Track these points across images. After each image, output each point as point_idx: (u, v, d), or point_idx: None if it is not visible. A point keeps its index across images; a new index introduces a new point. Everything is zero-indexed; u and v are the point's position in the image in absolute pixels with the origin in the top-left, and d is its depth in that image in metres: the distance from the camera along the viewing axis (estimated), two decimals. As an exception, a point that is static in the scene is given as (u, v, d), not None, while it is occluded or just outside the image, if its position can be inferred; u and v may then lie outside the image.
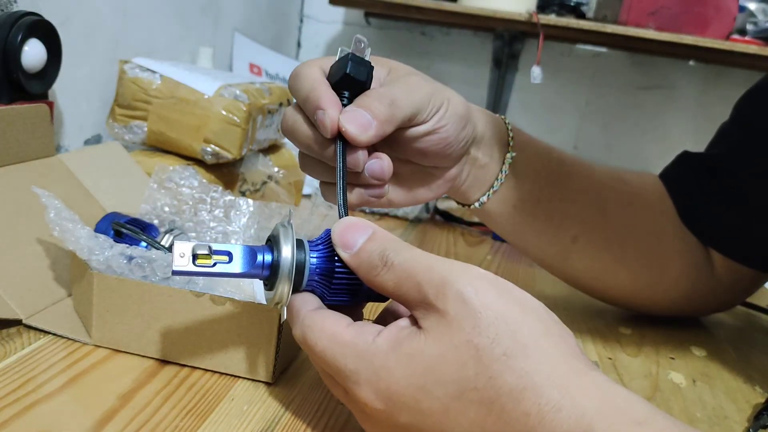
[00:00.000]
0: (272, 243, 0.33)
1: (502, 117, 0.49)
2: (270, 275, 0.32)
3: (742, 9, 1.04)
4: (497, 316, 0.27)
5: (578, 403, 0.25)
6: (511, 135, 0.48)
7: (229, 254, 0.31)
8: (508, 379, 0.26)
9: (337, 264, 0.32)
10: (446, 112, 0.41)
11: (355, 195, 0.39)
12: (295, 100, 0.39)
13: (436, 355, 0.27)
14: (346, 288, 0.32)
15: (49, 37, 0.57)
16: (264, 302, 0.39)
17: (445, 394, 0.27)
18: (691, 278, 0.55)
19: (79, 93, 0.70)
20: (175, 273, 0.30)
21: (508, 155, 0.47)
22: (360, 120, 0.36)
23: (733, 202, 0.53)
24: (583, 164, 0.53)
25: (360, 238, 0.31)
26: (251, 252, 0.32)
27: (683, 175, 0.56)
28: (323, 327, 0.30)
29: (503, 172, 0.47)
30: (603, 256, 0.53)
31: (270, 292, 0.33)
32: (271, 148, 0.76)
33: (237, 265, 0.31)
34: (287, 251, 0.31)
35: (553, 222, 0.51)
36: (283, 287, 0.32)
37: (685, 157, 0.58)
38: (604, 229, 0.52)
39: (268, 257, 0.32)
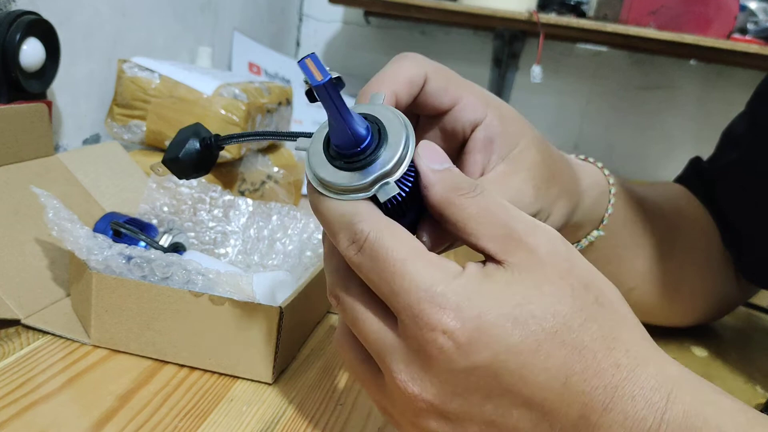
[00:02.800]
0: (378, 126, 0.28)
1: (611, 183, 0.42)
2: (367, 147, 0.27)
3: (743, 8, 1.04)
4: (587, 267, 0.26)
5: (661, 363, 0.25)
6: (608, 213, 0.42)
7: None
8: (601, 325, 0.25)
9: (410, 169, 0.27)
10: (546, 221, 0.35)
11: None
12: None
13: (532, 285, 0.25)
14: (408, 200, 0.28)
15: (48, 36, 0.57)
16: (263, 303, 0.38)
17: (540, 329, 0.24)
18: (727, 295, 0.55)
19: (77, 92, 0.70)
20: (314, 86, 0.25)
21: (595, 232, 0.42)
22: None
23: (754, 216, 0.51)
24: (655, 208, 0.48)
25: (447, 161, 0.27)
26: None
27: (706, 188, 0.54)
28: (405, 236, 0.25)
29: (579, 246, 0.42)
30: (657, 300, 0.51)
31: (354, 172, 0.27)
32: (270, 148, 0.76)
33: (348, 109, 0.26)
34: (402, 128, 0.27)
35: (616, 279, 0.47)
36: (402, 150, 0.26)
37: (699, 165, 0.56)
38: (663, 275, 0.50)
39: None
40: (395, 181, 0.27)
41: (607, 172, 0.43)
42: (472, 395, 0.25)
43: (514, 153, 0.33)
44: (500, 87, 1.29)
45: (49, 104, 0.56)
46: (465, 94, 0.32)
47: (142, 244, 0.44)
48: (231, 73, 0.81)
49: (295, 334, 0.42)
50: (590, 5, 1.13)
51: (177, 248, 0.47)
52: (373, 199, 0.27)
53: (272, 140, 0.44)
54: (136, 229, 0.45)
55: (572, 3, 1.14)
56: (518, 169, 0.33)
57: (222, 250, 0.52)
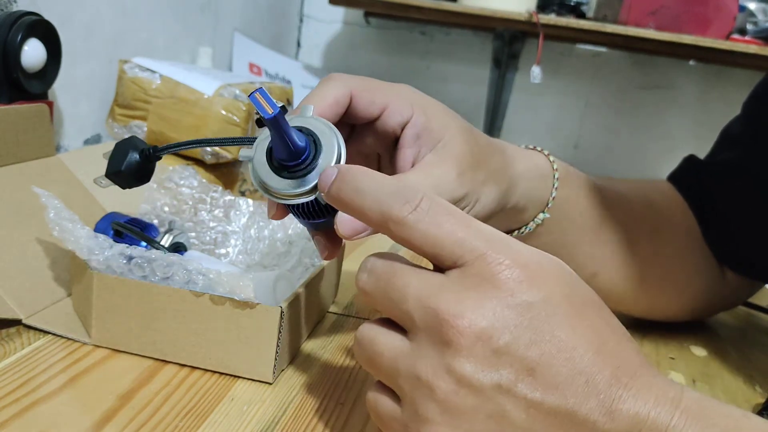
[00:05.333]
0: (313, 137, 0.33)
1: (555, 168, 0.44)
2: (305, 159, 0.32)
3: (742, 9, 1.04)
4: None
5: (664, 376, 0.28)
6: (553, 196, 0.44)
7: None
8: (618, 323, 0.28)
9: None
10: (470, 211, 0.38)
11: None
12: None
13: (570, 271, 0.28)
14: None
15: (49, 36, 0.57)
16: (263, 302, 0.38)
17: (582, 295, 0.27)
18: (709, 291, 0.55)
19: (78, 93, 0.70)
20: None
21: (541, 215, 0.44)
22: (354, 226, 0.32)
23: (746, 213, 0.51)
24: (619, 197, 0.50)
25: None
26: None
27: (698, 184, 0.54)
28: (448, 203, 0.28)
29: (528, 229, 0.44)
30: (623, 287, 0.51)
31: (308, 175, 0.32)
32: (271, 148, 0.76)
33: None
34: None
35: (574, 262, 0.47)
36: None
37: (694, 163, 0.57)
38: (628, 263, 0.50)
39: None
40: None
41: (552, 158, 0.45)
42: (522, 334, 0.25)
43: (440, 145, 0.36)
44: (500, 87, 1.29)
45: (51, 105, 0.56)
46: (392, 100, 0.36)
47: (143, 244, 0.44)
48: (231, 74, 0.81)
49: (296, 334, 0.42)
50: (590, 6, 1.13)
51: (178, 248, 0.47)
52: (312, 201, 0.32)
53: (214, 146, 0.46)
54: (137, 229, 0.45)
55: (572, 4, 1.14)
56: (443, 158, 0.36)
57: (222, 250, 0.52)
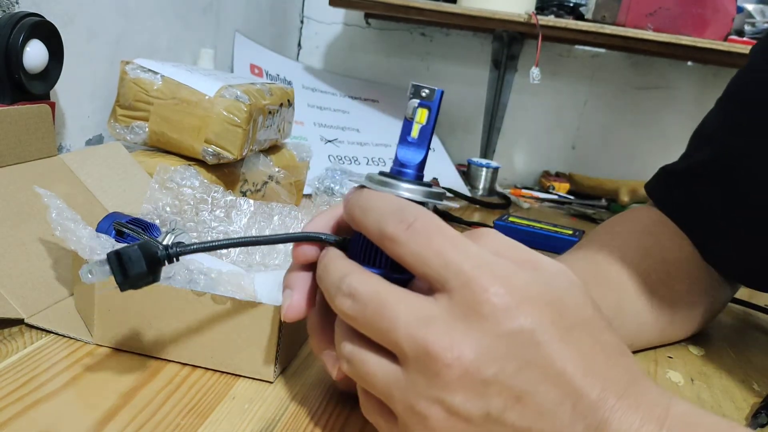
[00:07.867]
0: None
1: None
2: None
3: (740, 10, 1.04)
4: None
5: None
6: None
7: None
8: (614, 337, 0.28)
9: None
10: None
11: None
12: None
13: (564, 287, 0.28)
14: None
15: (51, 37, 0.58)
16: (264, 302, 0.39)
17: (573, 317, 0.27)
18: (713, 307, 0.56)
19: (80, 93, 0.70)
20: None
21: None
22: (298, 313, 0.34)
23: (732, 211, 0.50)
24: (619, 277, 0.50)
25: None
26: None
27: (684, 196, 0.54)
28: (447, 224, 0.29)
29: None
30: (655, 336, 0.52)
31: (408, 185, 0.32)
32: (272, 149, 0.76)
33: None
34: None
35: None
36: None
37: (671, 174, 0.56)
38: (654, 321, 0.51)
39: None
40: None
41: None
42: (509, 363, 0.26)
43: None
44: (499, 88, 1.29)
45: (53, 105, 0.56)
46: None
47: (145, 244, 0.44)
48: (233, 75, 0.81)
49: (297, 333, 0.43)
50: (588, 7, 1.13)
51: (179, 248, 0.47)
52: None
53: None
54: (138, 229, 0.45)
55: (570, 5, 1.14)
56: None
57: (224, 250, 0.52)
